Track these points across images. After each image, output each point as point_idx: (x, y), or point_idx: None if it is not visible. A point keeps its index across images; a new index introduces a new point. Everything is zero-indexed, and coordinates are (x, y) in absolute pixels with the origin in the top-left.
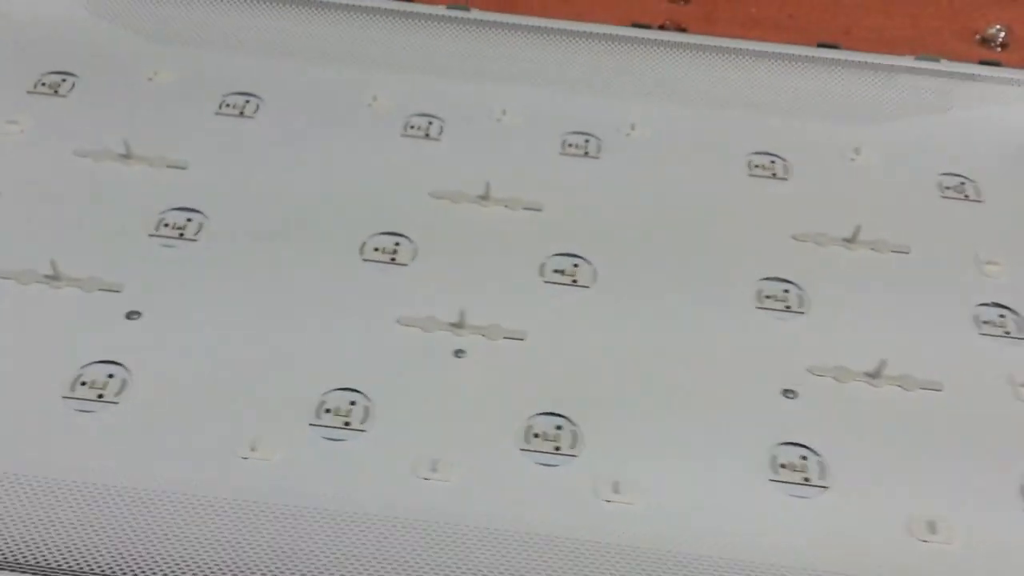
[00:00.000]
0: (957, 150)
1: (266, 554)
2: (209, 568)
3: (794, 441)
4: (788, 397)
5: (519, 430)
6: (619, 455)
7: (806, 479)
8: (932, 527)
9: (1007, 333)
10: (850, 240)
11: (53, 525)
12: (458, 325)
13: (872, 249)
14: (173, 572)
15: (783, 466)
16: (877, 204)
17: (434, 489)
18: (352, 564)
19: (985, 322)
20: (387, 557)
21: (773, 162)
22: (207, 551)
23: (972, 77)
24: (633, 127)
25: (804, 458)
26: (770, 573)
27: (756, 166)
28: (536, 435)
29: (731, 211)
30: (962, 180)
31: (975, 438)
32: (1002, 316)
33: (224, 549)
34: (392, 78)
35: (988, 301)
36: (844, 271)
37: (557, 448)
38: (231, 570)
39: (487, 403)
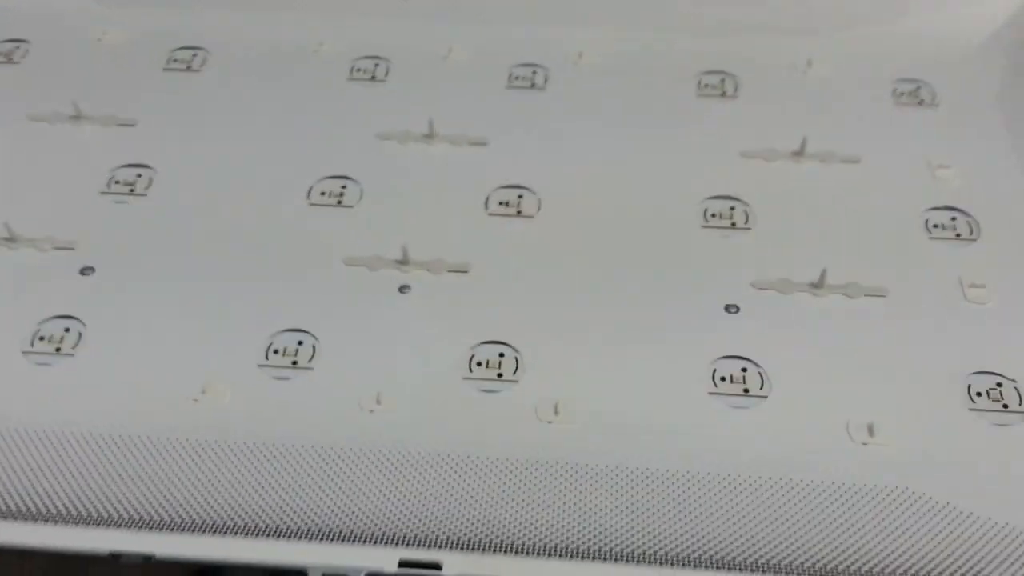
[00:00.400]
0: (913, 55)
1: (223, 490)
2: (168, 507)
3: (735, 354)
4: (730, 312)
5: (462, 359)
6: (560, 378)
7: (746, 390)
8: (871, 430)
9: (958, 235)
10: (798, 153)
11: (16, 472)
12: (402, 262)
13: (821, 162)
14: (134, 512)
15: (723, 379)
16: (828, 116)
17: (380, 421)
18: (305, 495)
19: (935, 226)
20: (337, 486)
21: (723, 80)
22: (164, 490)
23: None
24: (581, 55)
25: (744, 370)
26: (712, 483)
27: (705, 85)
28: (479, 363)
29: (678, 132)
30: (917, 85)
31: (920, 342)
32: (953, 219)
33: (180, 487)
34: (337, 22)
35: (939, 205)
36: (791, 185)
37: (499, 375)
38: (188, 507)
39: (431, 336)
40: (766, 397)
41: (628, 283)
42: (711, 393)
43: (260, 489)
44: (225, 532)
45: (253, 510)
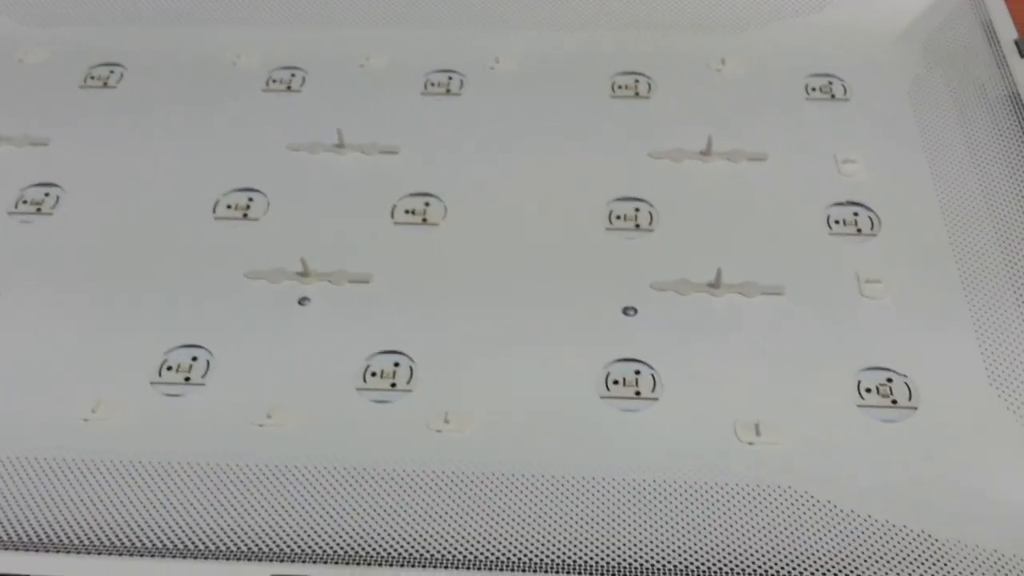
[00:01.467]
0: (828, 49)
1: (102, 510)
2: (53, 526)
3: (630, 357)
4: (628, 315)
5: (357, 371)
6: (453, 386)
7: (638, 393)
8: (757, 429)
9: (859, 231)
10: (705, 153)
11: None
12: (303, 274)
13: (728, 160)
14: (20, 532)
15: (616, 382)
16: (740, 114)
17: (269, 436)
18: (183, 512)
19: (837, 222)
20: (217, 503)
21: (637, 81)
22: (40, 510)
23: None
24: (497, 60)
25: (638, 373)
26: (601, 487)
27: (619, 87)
28: (373, 374)
29: (590, 135)
30: (830, 80)
31: (814, 338)
32: (855, 214)
33: (59, 507)
34: (254, 35)
35: (843, 200)
36: (698, 185)
37: (393, 385)
38: (74, 527)
39: (327, 347)
40: (657, 399)
41: (529, 289)
42: (603, 397)
43: (139, 507)
44: (100, 552)
45: (131, 529)
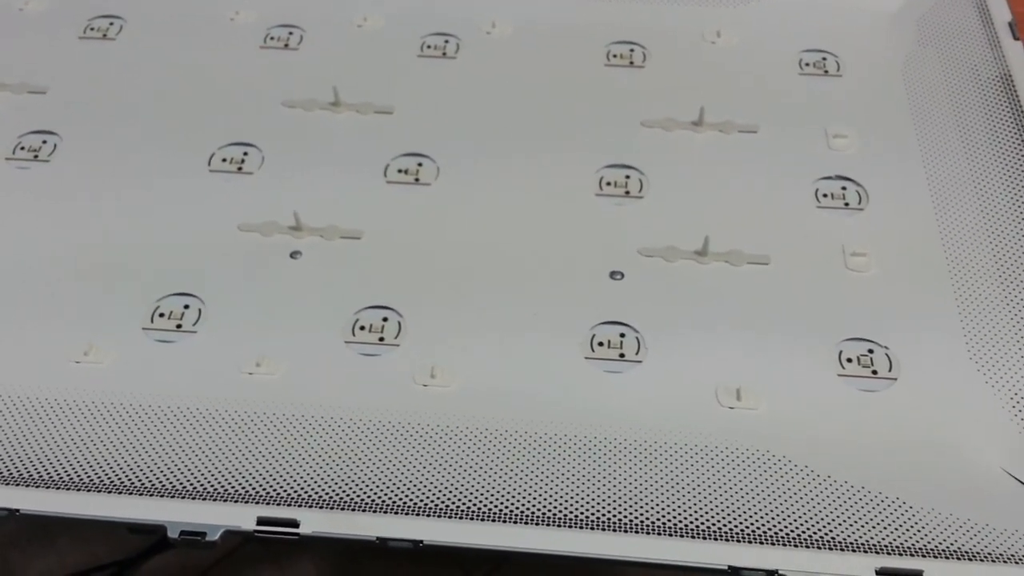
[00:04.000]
0: (824, 25)
1: (91, 449)
2: (32, 464)
3: (614, 320)
4: (615, 279)
5: (346, 324)
6: (439, 342)
7: (622, 355)
8: (738, 394)
9: (846, 205)
10: (697, 123)
11: None
12: (296, 228)
13: (720, 131)
14: (10, 468)
15: (600, 344)
16: (732, 86)
17: (258, 383)
18: (171, 455)
19: (825, 195)
20: (205, 447)
21: (632, 50)
22: (30, 449)
23: None
24: (494, 25)
25: (622, 335)
26: (581, 445)
27: (614, 55)
28: (362, 327)
29: (583, 102)
30: (824, 55)
31: (797, 308)
32: (844, 188)
33: (49, 446)
34: None
35: (832, 174)
36: (688, 154)
37: (381, 339)
38: (63, 463)
39: (317, 301)
40: (641, 362)
41: (518, 250)
42: (587, 358)
43: (128, 449)
44: (88, 489)
45: (120, 469)
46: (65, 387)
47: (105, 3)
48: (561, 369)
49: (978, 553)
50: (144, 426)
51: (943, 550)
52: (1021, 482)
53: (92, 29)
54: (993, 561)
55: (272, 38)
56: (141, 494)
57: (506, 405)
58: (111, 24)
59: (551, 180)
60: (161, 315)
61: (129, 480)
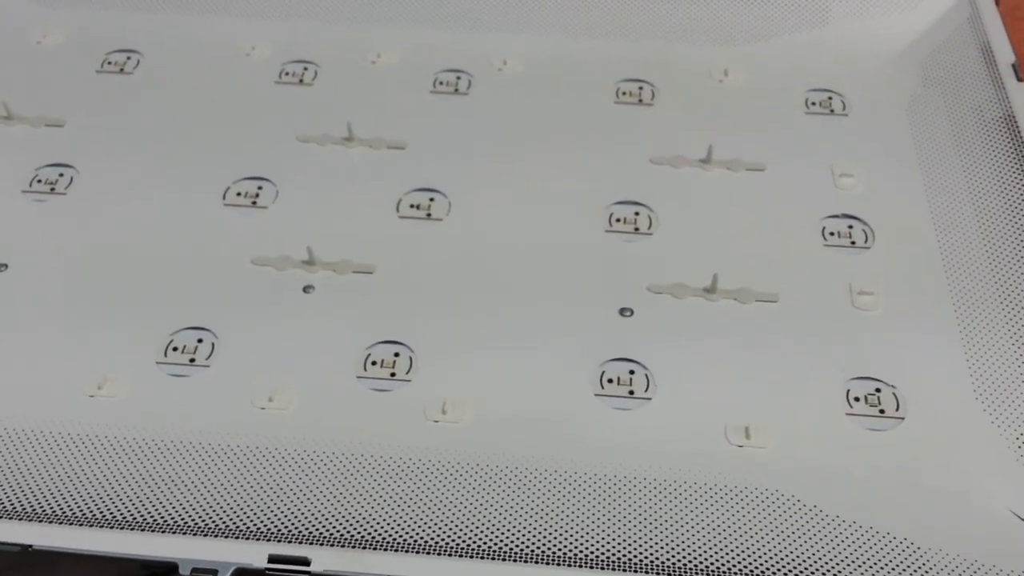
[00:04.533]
0: (830, 64)
1: (105, 484)
2: (57, 498)
3: (624, 357)
4: (625, 315)
5: (358, 359)
6: (452, 378)
7: (631, 392)
8: (747, 432)
9: (853, 243)
10: (705, 161)
11: None
12: (309, 262)
13: (728, 169)
14: (24, 504)
15: (610, 381)
16: (739, 124)
17: (271, 418)
18: (184, 490)
19: (832, 233)
20: (216, 482)
21: (641, 88)
22: (44, 483)
23: None
24: (505, 62)
25: (632, 372)
26: (592, 483)
27: (623, 93)
28: (374, 362)
29: (593, 139)
30: (829, 95)
31: (805, 347)
32: (850, 227)
33: (62, 480)
34: (269, 27)
35: (838, 213)
36: (697, 192)
37: (393, 374)
38: (77, 500)
39: (329, 335)
40: (650, 399)
41: (529, 286)
42: (597, 395)
43: (140, 484)
44: (100, 525)
45: (132, 504)
46: (79, 421)
47: (122, 37)
48: (571, 406)
49: None
50: (156, 461)
51: None
52: None
53: (109, 63)
54: None
55: (287, 73)
56: (153, 530)
57: (516, 441)
58: (128, 58)
59: (561, 216)
60: (175, 349)
61: (141, 516)
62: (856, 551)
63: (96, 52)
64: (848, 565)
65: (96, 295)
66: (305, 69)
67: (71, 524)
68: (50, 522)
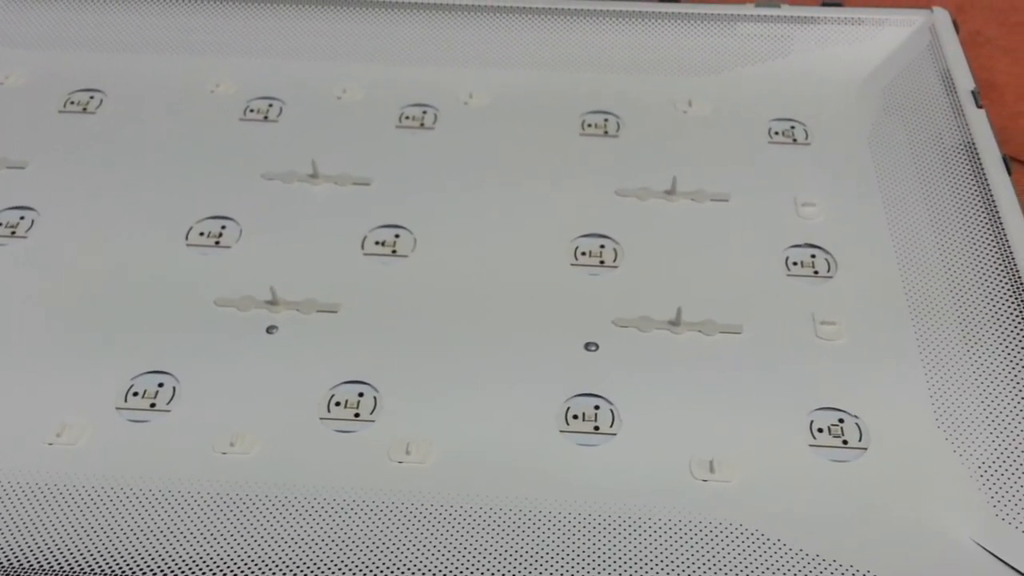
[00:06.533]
0: (792, 95)
1: (67, 535)
2: (12, 549)
3: (589, 392)
4: (590, 350)
5: (322, 400)
6: (416, 417)
7: (596, 428)
8: (711, 466)
9: (815, 273)
10: (670, 192)
11: None
12: (272, 302)
13: (692, 200)
14: None
15: (575, 417)
16: (703, 155)
17: (232, 463)
18: (152, 540)
19: (795, 263)
20: (182, 532)
21: (606, 120)
22: (12, 536)
23: (813, 20)
24: (471, 95)
25: (597, 408)
26: (557, 520)
27: (589, 125)
28: (338, 403)
29: (559, 172)
30: (792, 124)
31: (769, 378)
32: (813, 256)
33: (28, 533)
34: (233, 64)
35: (801, 242)
36: (662, 224)
37: (357, 415)
38: (33, 551)
39: (293, 376)
40: (615, 435)
41: (494, 322)
42: (562, 431)
43: (100, 532)
44: (58, 574)
45: (90, 553)
46: (37, 469)
47: (85, 77)
48: (536, 443)
49: None
50: (116, 509)
51: None
52: (989, 552)
53: (72, 103)
54: None
55: (252, 110)
56: None
57: (481, 480)
58: (91, 98)
59: (526, 250)
60: (135, 394)
61: (99, 565)
62: None
63: (59, 92)
64: None
65: (56, 339)
66: (270, 106)
67: (30, 575)
68: (7, 574)
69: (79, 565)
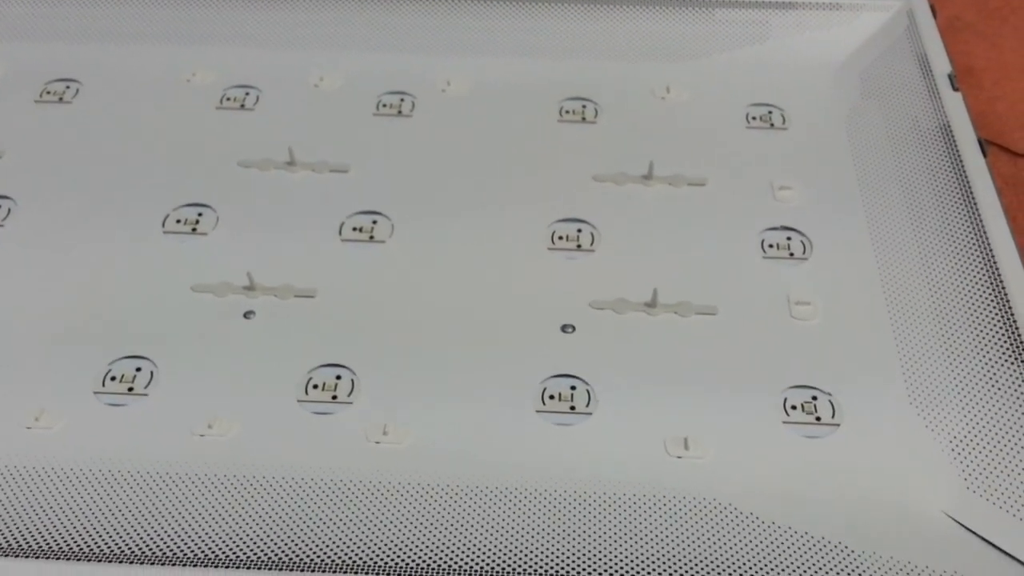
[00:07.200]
0: (770, 79)
1: (47, 518)
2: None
3: (565, 373)
4: (566, 332)
5: (300, 383)
6: (392, 399)
7: (572, 408)
8: (685, 443)
9: (791, 255)
10: (647, 177)
11: None
12: (249, 288)
13: (669, 184)
14: None
15: (552, 397)
16: (681, 140)
17: (210, 445)
18: (130, 521)
19: (771, 246)
20: (160, 512)
21: (584, 106)
22: None
23: (790, 5)
24: (449, 83)
25: (573, 388)
26: (533, 499)
27: (567, 111)
28: (315, 386)
29: (536, 158)
30: (769, 109)
31: (744, 357)
32: (789, 239)
33: (6, 515)
34: (210, 52)
35: (777, 225)
36: (639, 208)
37: (334, 397)
38: (12, 531)
39: (270, 360)
40: (591, 414)
41: (471, 306)
42: (539, 411)
43: (77, 514)
44: (36, 556)
45: (69, 535)
46: (15, 453)
47: (62, 67)
48: (513, 423)
49: None
50: (94, 491)
51: None
52: (960, 524)
53: (48, 92)
54: None
55: (228, 98)
56: (90, 560)
57: (458, 460)
58: (67, 87)
59: (504, 235)
60: (113, 378)
61: (78, 546)
62: (790, 557)
63: (35, 82)
64: (783, 571)
65: (34, 325)
66: (247, 94)
67: (9, 556)
68: None
69: (58, 546)
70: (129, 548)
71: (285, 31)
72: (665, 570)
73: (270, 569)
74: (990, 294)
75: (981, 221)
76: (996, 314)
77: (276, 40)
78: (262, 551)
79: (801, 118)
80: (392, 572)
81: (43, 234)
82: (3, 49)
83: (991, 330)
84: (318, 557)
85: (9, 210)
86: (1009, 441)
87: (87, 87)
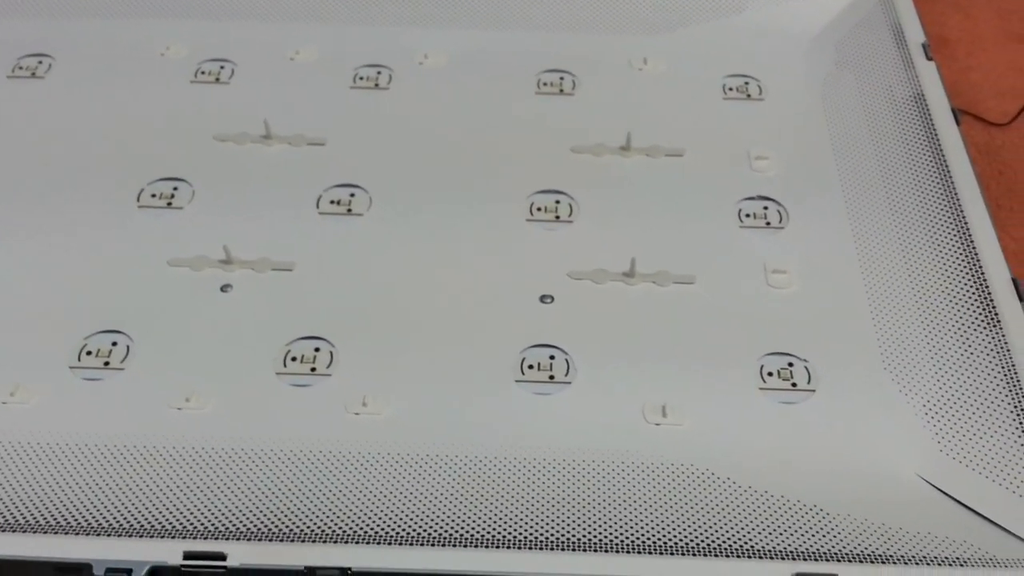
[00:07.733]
0: (747, 50)
1: (24, 491)
2: None
3: (544, 343)
4: (545, 302)
5: (278, 356)
6: (371, 370)
7: (551, 377)
8: (663, 411)
9: (767, 224)
10: (625, 148)
11: None
12: (226, 261)
13: (647, 155)
14: None
15: (531, 367)
16: (659, 111)
17: (188, 418)
18: (96, 492)
19: (747, 215)
20: (137, 485)
21: (562, 79)
22: None
23: None
24: (426, 56)
25: (552, 358)
26: (513, 467)
27: (544, 84)
28: (294, 359)
29: (515, 130)
30: (746, 80)
31: (721, 325)
32: (765, 208)
33: None
34: (184, 26)
35: (754, 195)
36: (617, 179)
37: (313, 369)
38: None
39: (248, 333)
40: (570, 383)
41: (449, 278)
42: (518, 381)
43: (54, 488)
44: (13, 530)
45: (46, 508)
46: None
47: (34, 41)
48: (492, 393)
49: (891, 556)
50: (70, 465)
51: (857, 554)
52: (934, 486)
53: (21, 68)
54: (906, 563)
55: (203, 72)
56: (68, 533)
57: (437, 431)
58: (40, 62)
59: (483, 207)
60: (88, 353)
61: (54, 518)
62: (767, 520)
63: (7, 57)
64: (760, 534)
65: (8, 300)
66: (221, 68)
67: None
68: None
69: (35, 519)
70: (107, 521)
71: (260, 4)
72: (645, 535)
73: (249, 540)
74: (963, 261)
75: (955, 189)
76: (969, 280)
77: (251, 13)
78: (241, 523)
79: (777, 88)
80: (372, 542)
81: (17, 209)
82: None
83: (964, 296)
84: (298, 528)
85: None
86: (981, 405)
87: (60, 62)
